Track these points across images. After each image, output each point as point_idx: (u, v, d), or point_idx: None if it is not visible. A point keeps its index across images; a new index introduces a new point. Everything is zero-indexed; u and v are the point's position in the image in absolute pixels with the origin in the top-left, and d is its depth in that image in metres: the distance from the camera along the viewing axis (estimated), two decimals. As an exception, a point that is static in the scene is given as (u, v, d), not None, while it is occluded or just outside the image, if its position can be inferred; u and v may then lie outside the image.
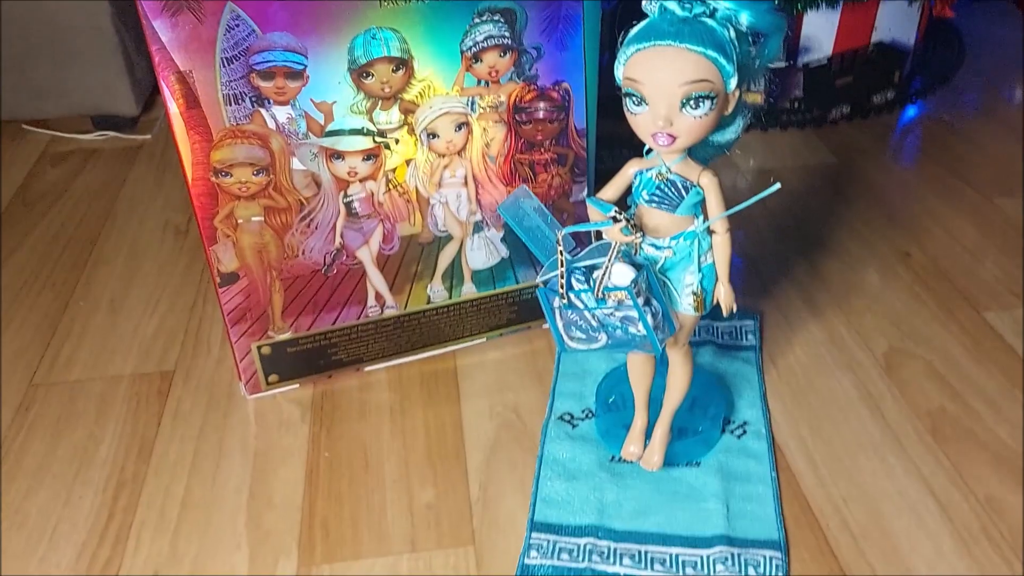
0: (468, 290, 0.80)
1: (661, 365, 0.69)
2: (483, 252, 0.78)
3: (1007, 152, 1.13)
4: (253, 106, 0.66)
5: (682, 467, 0.71)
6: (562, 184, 0.77)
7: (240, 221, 0.70)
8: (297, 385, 0.80)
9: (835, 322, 0.85)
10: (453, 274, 0.78)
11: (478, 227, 0.77)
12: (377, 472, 0.72)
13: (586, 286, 0.61)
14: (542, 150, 0.74)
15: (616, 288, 0.59)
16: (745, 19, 0.54)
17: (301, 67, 0.65)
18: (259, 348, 0.76)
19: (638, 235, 0.58)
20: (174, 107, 0.64)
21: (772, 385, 0.78)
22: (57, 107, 1.18)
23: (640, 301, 0.59)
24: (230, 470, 0.72)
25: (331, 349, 0.79)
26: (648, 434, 0.70)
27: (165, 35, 0.61)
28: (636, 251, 0.62)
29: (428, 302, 0.79)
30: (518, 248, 0.79)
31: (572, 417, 0.76)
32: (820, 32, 1.20)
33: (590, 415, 0.76)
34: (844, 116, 1.17)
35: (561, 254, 0.60)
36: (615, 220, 0.59)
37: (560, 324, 0.64)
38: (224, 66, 0.64)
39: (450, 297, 0.80)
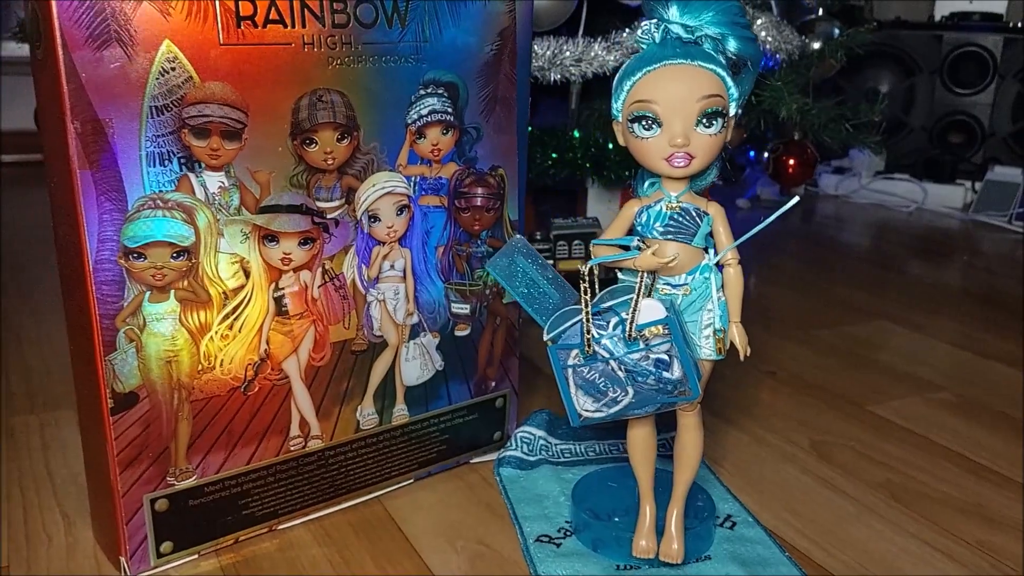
0: (399, 412, 0.68)
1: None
2: (418, 363, 0.68)
3: (797, 302, 1.26)
4: (181, 169, 0.55)
5: (693, 563, 0.62)
6: (496, 282, 0.71)
7: (149, 320, 0.55)
8: (196, 556, 0.61)
9: (752, 427, 0.84)
10: (385, 392, 0.67)
11: (414, 332, 0.67)
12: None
13: (609, 331, 0.55)
14: (478, 242, 0.69)
15: (652, 323, 0.54)
16: (732, 46, 0.56)
17: (241, 126, 0.56)
18: (153, 503, 0.58)
19: (672, 256, 0.54)
20: (83, 165, 0.51)
21: (729, 481, 0.74)
22: None
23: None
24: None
25: (243, 499, 0.62)
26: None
27: (85, 72, 0.50)
28: (651, 291, 0.58)
29: (357, 430, 0.66)
30: (454, 359, 0.70)
31: (551, 538, 0.65)
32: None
33: (569, 533, 0.65)
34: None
35: (585, 293, 0.54)
36: (640, 249, 0.55)
37: (572, 389, 0.56)
38: (152, 117, 0.53)
39: (380, 422, 0.67)
